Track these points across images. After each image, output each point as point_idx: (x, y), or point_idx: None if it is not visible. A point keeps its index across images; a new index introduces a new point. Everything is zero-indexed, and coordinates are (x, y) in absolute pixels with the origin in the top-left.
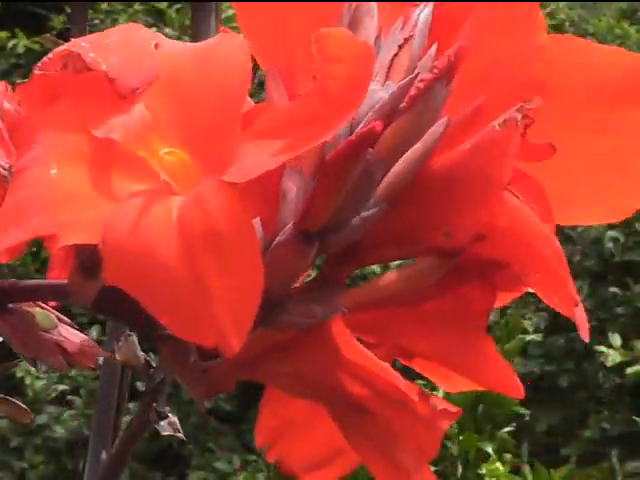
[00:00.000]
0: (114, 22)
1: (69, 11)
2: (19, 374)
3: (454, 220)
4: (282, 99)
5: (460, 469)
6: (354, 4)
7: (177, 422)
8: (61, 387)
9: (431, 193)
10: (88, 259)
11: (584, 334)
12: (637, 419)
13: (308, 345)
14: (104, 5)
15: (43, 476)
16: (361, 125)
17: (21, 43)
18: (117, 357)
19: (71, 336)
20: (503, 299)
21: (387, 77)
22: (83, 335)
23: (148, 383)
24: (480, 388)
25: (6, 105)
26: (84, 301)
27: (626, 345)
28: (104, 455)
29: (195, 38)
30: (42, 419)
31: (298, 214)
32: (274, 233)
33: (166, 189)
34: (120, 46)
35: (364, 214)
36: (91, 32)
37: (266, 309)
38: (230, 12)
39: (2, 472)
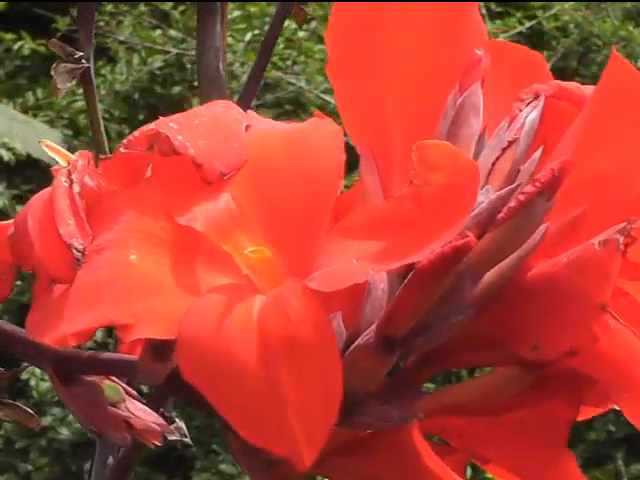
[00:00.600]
0: (119, 24)
1: (75, 13)
2: (24, 376)
3: (544, 334)
4: (375, 188)
5: (470, 472)
6: (460, 99)
7: (184, 427)
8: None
9: (522, 303)
10: (159, 342)
11: None
12: None
13: (382, 447)
14: (109, 7)
15: (48, 478)
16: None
17: (26, 45)
18: None
19: (138, 412)
20: (586, 413)
21: (487, 180)
22: (150, 410)
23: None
24: None
25: (87, 181)
26: (154, 381)
27: None
28: (111, 460)
29: (200, 40)
30: (47, 421)
31: (381, 319)
32: (356, 330)
33: (248, 285)
34: (209, 128)
35: (451, 320)
36: (96, 34)
37: (342, 408)
38: (235, 14)
39: (7, 474)
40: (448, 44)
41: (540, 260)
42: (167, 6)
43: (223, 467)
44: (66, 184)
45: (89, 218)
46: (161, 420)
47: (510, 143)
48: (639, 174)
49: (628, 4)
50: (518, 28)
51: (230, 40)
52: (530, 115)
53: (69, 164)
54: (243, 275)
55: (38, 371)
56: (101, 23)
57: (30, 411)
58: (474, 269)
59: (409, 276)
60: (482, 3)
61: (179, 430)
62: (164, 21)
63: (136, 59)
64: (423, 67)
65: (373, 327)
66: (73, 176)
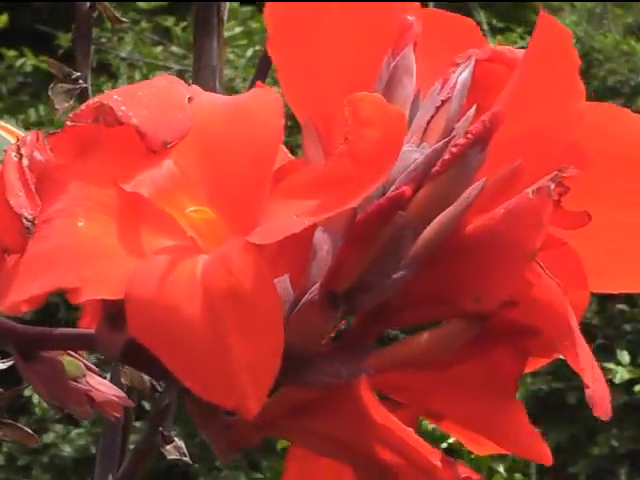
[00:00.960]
0: (120, 40)
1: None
2: (26, 393)
3: (485, 285)
4: (318, 155)
5: None
6: (393, 62)
7: (183, 446)
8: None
9: (462, 257)
10: (115, 311)
11: (602, 413)
12: None
13: (334, 405)
14: (110, 23)
15: None
16: (394, 186)
17: (29, 62)
18: (123, 380)
19: (99, 385)
20: (533, 364)
21: (423, 138)
22: (110, 384)
23: (154, 406)
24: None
25: (36, 155)
26: (111, 352)
27: (634, 362)
28: (111, 479)
29: (197, 59)
30: (49, 438)
31: (324, 275)
32: (303, 290)
33: (192, 246)
34: (153, 99)
35: (393, 276)
36: (97, 51)
37: (290, 367)
38: (237, 30)
39: None
40: (381, 12)
41: (479, 216)
42: (168, 22)
43: None
44: (15, 159)
45: (39, 191)
46: (121, 393)
47: (443, 102)
48: (567, 127)
49: (630, 19)
50: (519, 43)
51: (231, 56)
52: (462, 75)
53: (18, 140)
54: (188, 237)
55: None
56: (102, 39)
57: (29, 431)
58: (413, 224)
59: (350, 231)
60: (484, 18)
61: (178, 449)
62: (165, 37)
63: (138, 75)
64: (358, 35)
65: (317, 284)
66: (22, 150)
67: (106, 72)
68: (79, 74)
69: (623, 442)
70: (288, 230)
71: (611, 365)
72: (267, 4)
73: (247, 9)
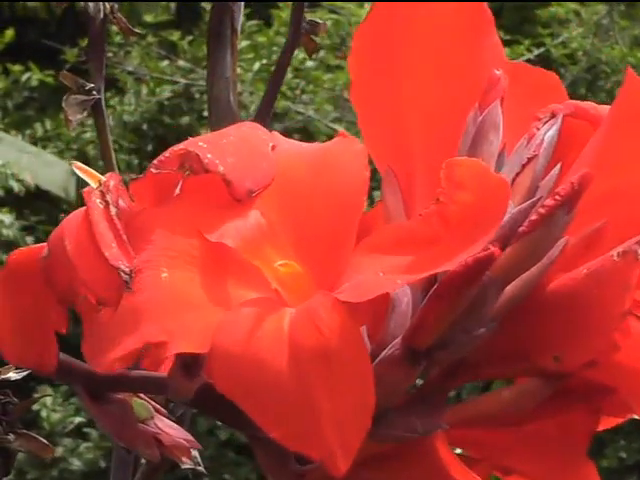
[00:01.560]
0: (127, 55)
1: (83, 44)
2: (35, 407)
3: (566, 346)
4: (397, 206)
5: None
6: (480, 117)
7: (197, 456)
8: (77, 419)
9: (543, 315)
10: (190, 358)
11: None
12: None
13: (409, 459)
14: (117, 38)
15: None
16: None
17: (35, 77)
18: None
19: (167, 428)
20: (607, 423)
21: None
22: (178, 427)
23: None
24: None
25: (120, 203)
26: (183, 397)
27: None
28: None
29: (211, 71)
30: (58, 452)
31: (406, 332)
32: (381, 343)
33: (278, 299)
34: (237, 147)
35: (474, 333)
36: (105, 65)
37: None
38: (243, 44)
39: None
40: (467, 64)
41: (560, 274)
42: (175, 37)
43: None
44: (101, 206)
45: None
46: (190, 437)
47: (529, 160)
48: None
49: (636, 31)
50: (526, 55)
51: (238, 70)
52: (548, 132)
53: (101, 185)
54: (273, 289)
55: (49, 402)
56: (109, 54)
57: (44, 441)
58: (497, 282)
59: (434, 288)
60: None
61: (193, 459)
62: (172, 51)
63: (144, 89)
64: (443, 87)
65: (398, 340)
66: (107, 197)
67: (113, 86)
68: (92, 85)
69: (631, 454)
70: (380, 289)
71: None
72: (352, 48)
73: (253, 23)
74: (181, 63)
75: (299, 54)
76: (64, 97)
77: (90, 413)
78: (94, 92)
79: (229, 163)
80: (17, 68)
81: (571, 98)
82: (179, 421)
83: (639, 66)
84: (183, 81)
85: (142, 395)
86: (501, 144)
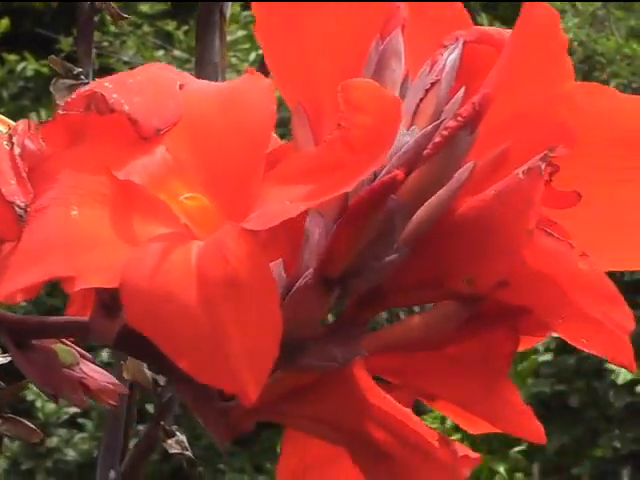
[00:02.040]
0: (122, 44)
1: (76, 32)
2: (30, 397)
3: (477, 267)
4: (307, 139)
5: None
6: (381, 45)
7: (185, 441)
8: (72, 410)
9: (453, 239)
10: (109, 298)
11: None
12: None
13: (329, 388)
14: (113, 27)
15: None
16: (384, 170)
17: (30, 66)
18: (125, 375)
19: (93, 373)
20: (526, 343)
21: (412, 121)
22: (104, 372)
23: (156, 401)
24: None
25: (28, 144)
26: (105, 339)
27: (637, 363)
28: (112, 474)
29: (199, 56)
30: (53, 442)
31: (318, 259)
32: (296, 275)
33: (186, 233)
34: (144, 87)
35: (385, 259)
36: (99, 55)
37: (285, 352)
38: (239, 34)
39: None
40: None
41: (470, 198)
42: (171, 26)
43: None
44: (7, 147)
45: (31, 180)
46: (115, 380)
47: (432, 84)
48: (555, 108)
49: (632, 22)
50: None
51: (234, 60)
52: (450, 57)
53: (10, 128)
54: (182, 224)
55: None
56: (105, 43)
57: (32, 426)
58: (405, 207)
59: (342, 215)
60: (485, 20)
61: (180, 444)
62: (168, 41)
63: None
64: (346, 20)
65: (311, 270)
66: (14, 139)
67: (109, 76)
68: (80, 70)
69: (626, 443)
70: (283, 215)
71: (613, 366)
72: None
73: (249, 13)
74: (177, 53)
75: None
76: (52, 81)
77: (16, 362)
78: (82, 77)
79: (135, 102)
80: (12, 58)
81: None
82: (166, 406)
83: (635, 57)
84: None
85: (66, 341)
86: (405, 72)
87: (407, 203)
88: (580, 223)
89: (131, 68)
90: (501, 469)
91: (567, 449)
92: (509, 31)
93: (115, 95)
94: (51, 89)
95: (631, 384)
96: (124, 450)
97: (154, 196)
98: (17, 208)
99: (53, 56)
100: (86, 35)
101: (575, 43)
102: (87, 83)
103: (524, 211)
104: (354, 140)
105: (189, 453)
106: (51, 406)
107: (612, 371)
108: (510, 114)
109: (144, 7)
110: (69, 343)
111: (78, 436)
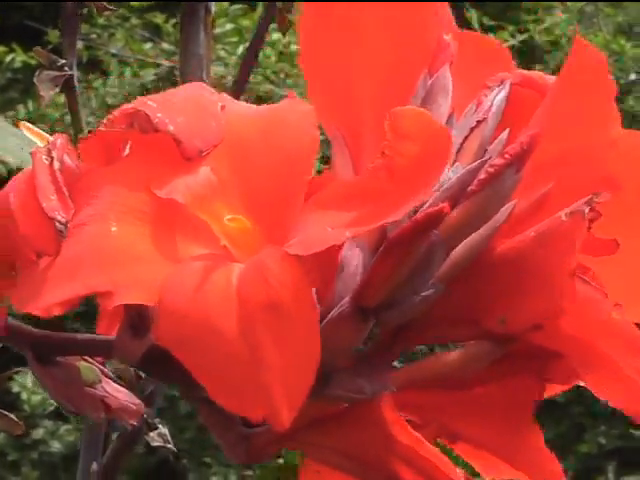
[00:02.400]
0: (111, 36)
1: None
2: (15, 389)
3: (512, 308)
4: (347, 168)
5: None
6: (430, 80)
7: (167, 433)
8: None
9: (491, 278)
10: (137, 319)
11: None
12: (633, 432)
13: (354, 421)
14: (101, 19)
15: None
16: (426, 205)
17: (18, 58)
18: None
19: (114, 392)
20: (553, 390)
21: (456, 159)
22: (126, 391)
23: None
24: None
25: (66, 159)
26: (130, 359)
27: None
28: (95, 466)
29: (183, 48)
30: (38, 434)
31: (356, 289)
32: (329, 305)
33: (226, 255)
34: (187, 107)
35: (422, 294)
36: (88, 47)
37: (316, 380)
38: (227, 27)
39: None
40: (417, 29)
41: (508, 238)
42: (159, 19)
43: None
44: (46, 162)
45: (71, 195)
46: (137, 400)
47: (478, 123)
48: (600, 153)
49: (620, 18)
50: (510, 42)
51: (222, 53)
52: (497, 97)
53: (48, 143)
54: (221, 246)
55: (30, 384)
56: (93, 36)
57: (14, 418)
58: (445, 242)
59: (382, 246)
60: (475, 16)
61: (162, 437)
62: (156, 34)
63: (128, 72)
64: (393, 52)
65: (347, 299)
66: (53, 154)
67: (97, 68)
68: (64, 61)
69: (611, 439)
70: (329, 241)
71: None
72: (302, 13)
73: (238, 7)
74: (165, 46)
75: (285, 38)
76: (36, 73)
77: (37, 377)
78: (66, 68)
79: (179, 122)
80: (1, 49)
81: None
82: (148, 399)
83: (622, 54)
84: (167, 64)
85: (89, 359)
86: (450, 109)
87: (447, 239)
88: (613, 272)
89: (120, 61)
90: None
91: (553, 444)
92: (551, 77)
93: (160, 114)
94: (35, 80)
95: None
96: (106, 442)
97: (195, 216)
98: (58, 224)
99: (38, 47)
100: (71, 27)
101: (563, 39)
102: (71, 75)
103: (565, 254)
104: (397, 167)
105: (171, 446)
106: (37, 398)
107: None
108: (554, 157)
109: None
110: (92, 361)
111: (63, 428)
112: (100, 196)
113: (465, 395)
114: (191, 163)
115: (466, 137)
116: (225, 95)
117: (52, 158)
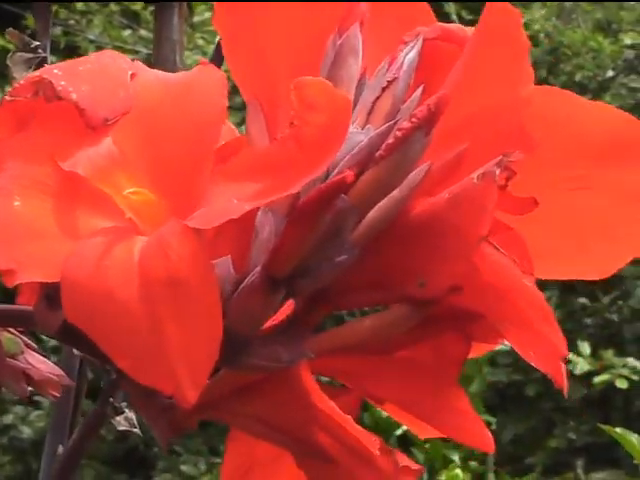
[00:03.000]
0: (89, 23)
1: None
2: None
3: (429, 270)
4: (262, 134)
5: (425, 476)
6: (339, 41)
7: (134, 418)
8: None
9: (406, 242)
10: (52, 290)
11: (561, 387)
12: (603, 428)
13: (273, 389)
14: (80, 5)
15: (9, 476)
16: (337, 170)
17: None
18: (75, 351)
19: (37, 363)
20: (477, 350)
21: (368, 120)
22: (49, 362)
23: (105, 378)
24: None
25: None
26: (49, 330)
27: (594, 355)
28: (60, 450)
29: (157, 33)
30: (8, 419)
31: (266, 259)
32: (245, 272)
33: (130, 228)
34: (94, 75)
35: (335, 260)
36: (66, 33)
37: (230, 351)
38: (206, 15)
39: None
40: None
41: (424, 199)
42: (138, 6)
43: (184, 468)
44: None
45: None
46: (60, 371)
47: (389, 82)
48: (514, 112)
49: (599, 15)
50: None
51: (201, 42)
52: (409, 55)
53: None
54: (126, 218)
55: None
56: (71, 21)
57: None
58: (356, 208)
59: (290, 216)
60: (453, 10)
61: (129, 420)
62: (134, 21)
63: None
64: (305, 15)
65: (259, 267)
66: None
67: (75, 54)
68: (38, 43)
69: (580, 435)
70: (227, 215)
71: (572, 356)
72: None
73: None
74: (143, 33)
75: None
76: (9, 54)
77: None
78: (40, 50)
79: (83, 91)
80: None
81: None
82: (115, 382)
83: (600, 50)
84: (145, 51)
85: (11, 330)
86: (363, 69)
87: (358, 204)
88: (537, 230)
89: (98, 47)
90: (455, 457)
91: (522, 439)
92: (471, 29)
93: (63, 82)
94: (8, 62)
95: (588, 376)
96: (72, 426)
97: (98, 189)
98: None
99: (11, 29)
100: (43, 8)
101: (542, 34)
102: (45, 57)
103: (477, 216)
104: (306, 138)
105: (137, 430)
106: None
107: (569, 362)
108: (468, 116)
109: None
110: (16, 332)
111: (34, 414)
112: (5, 169)
113: (388, 358)
114: (97, 133)
115: (377, 97)
116: (139, 63)
117: None
